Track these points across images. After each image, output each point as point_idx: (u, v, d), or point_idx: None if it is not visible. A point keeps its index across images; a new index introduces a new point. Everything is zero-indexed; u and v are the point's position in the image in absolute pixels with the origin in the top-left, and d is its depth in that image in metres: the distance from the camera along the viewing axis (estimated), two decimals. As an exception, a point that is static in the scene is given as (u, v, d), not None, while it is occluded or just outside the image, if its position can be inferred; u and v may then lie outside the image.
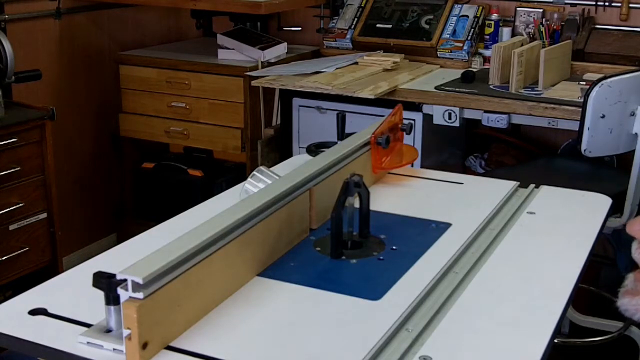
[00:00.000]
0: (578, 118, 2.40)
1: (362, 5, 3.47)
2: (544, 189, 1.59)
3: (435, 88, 2.84)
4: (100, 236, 3.58)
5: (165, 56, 3.38)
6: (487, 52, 3.20)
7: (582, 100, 2.39)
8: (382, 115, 1.62)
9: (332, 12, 3.55)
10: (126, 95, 3.40)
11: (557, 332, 1.06)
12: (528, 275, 1.21)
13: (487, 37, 3.25)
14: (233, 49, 3.29)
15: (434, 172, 1.70)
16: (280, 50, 3.33)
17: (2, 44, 2.64)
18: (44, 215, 2.75)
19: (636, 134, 2.38)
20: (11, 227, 2.63)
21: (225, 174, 3.39)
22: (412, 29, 3.32)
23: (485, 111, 2.75)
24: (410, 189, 1.61)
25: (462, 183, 1.66)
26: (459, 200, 1.55)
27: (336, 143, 1.58)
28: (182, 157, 3.52)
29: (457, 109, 2.77)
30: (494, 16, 3.25)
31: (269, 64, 3.22)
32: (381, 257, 1.25)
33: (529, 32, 3.22)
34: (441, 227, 1.38)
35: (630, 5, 3.12)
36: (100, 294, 0.97)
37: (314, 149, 1.67)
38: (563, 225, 1.40)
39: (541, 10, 3.24)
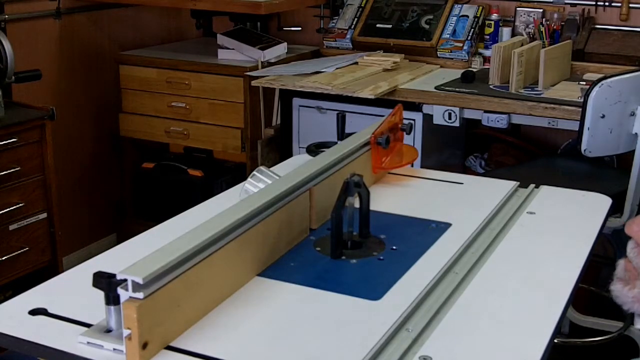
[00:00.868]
0: (578, 118, 2.40)
1: (362, 5, 3.47)
2: (544, 189, 1.59)
3: (435, 88, 2.84)
4: (100, 236, 3.58)
5: (165, 56, 3.38)
6: (487, 52, 3.20)
7: (582, 100, 2.39)
8: (382, 115, 1.62)
9: (332, 12, 3.55)
10: (126, 95, 3.40)
11: (557, 332, 1.06)
12: (528, 275, 1.21)
13: (487, 37, 3.25)
14: (233, 49, 3.29)
15: (434, 172, 1.70)
16: (280, 50, 3.33)
17: (2, 44, 2.64)
18: (44, 215, 2.75)
19: (636, 134, 2.38)
20: (11, 227, 2.63)
21: (225, 174, 3.39)
22: (412, 29, 3.32)
23: (485, 111, 2.75)
24: (410, 189, 1.61)
25: (462, 183, 1.66)
26: (459, 200, 1.55)
27: (336, 143, 1.58)
28: (182, 157, 3.52)
29: (457, 109, 2.77)
30: (494, 16, 3.25)
31: (269, 64, 3.22)
32: (381, 257, 1.25)
33: (529, 32, 3.22)
34: (441, 227, 1.38)
35: (630, 5, 3.12)
36: (100, 294, 0.97)
37: (314, 149, 1.67)
38: (563, 225, 1.40)
39: (541, 10, 3.24)
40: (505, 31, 3.25)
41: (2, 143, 2.55)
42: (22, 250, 2.67)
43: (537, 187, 1.59)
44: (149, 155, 3.52)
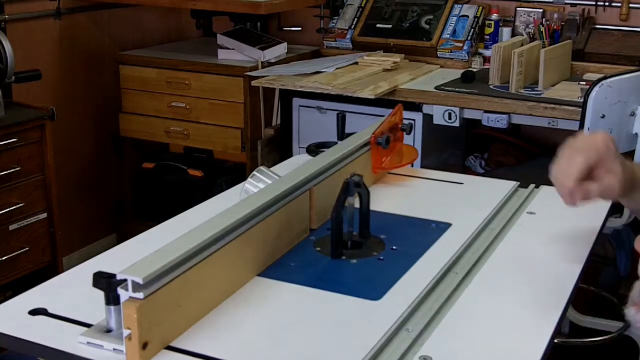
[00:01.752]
0: (578, 118, 2.40)
1: (362, 5, 3.47)
2: (544, 189, 1.59)
3: (435, 88, 2.84)
4: (100, 236, 3.58)
5: (165, 56, 3.38)
6: (487, 52, 3.20)
7: (582, 100, 2.39)
8: (382, 115, 1.62)
9: (332, 12, 3.55)
10: (126, 95, 3.40)
11: (557, 332, 1.06)
12: (528, 275, 1.21)
13: (487, 37, 3.25)
14: (233, 49, 3.29)
15: (434, 172, 1.70)
16: (280, 50, 3.33)
17: (2, 44, 2.64)
18: (44, 215, 2.75)
19: (636, 134, 2.38)
20: (11, 227, 2.63)
21: (225, 174, 3.40)
22: (412, 29, 3.32)
23: (485, 111, 2.75)
24: (410, 189, 1.61)
25: (462, 183, 1.66)
26: (459, 200, 1.55)
27: (336, 143, 1.58)
28: (182, 157, 3.52)
29: (457, 109, 2.77)
30: (494, 16, 3.25)
31: (269, 64, 3.22)
32: (381, 257, 1.25)
33: (529, 32, 3.22)
34: (441, 227, 1.38)
35: (630, 5, 3.12)
36: (100, 294, 0.97)
37: (314, 149, 1.67)
38: (563, 225, 1.40)
39: (541, 10, 3.24)
40: (505, 31, 3.25)
41: (2, 143, 2.55)
42: (22, 250, 2.67)
43: (537, 187, 1.59)
44: (149, 155, 3.52)
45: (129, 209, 3.57)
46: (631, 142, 2.40)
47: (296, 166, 1.38)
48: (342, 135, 1.62)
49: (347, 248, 1.27)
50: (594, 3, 3.17)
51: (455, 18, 3.29)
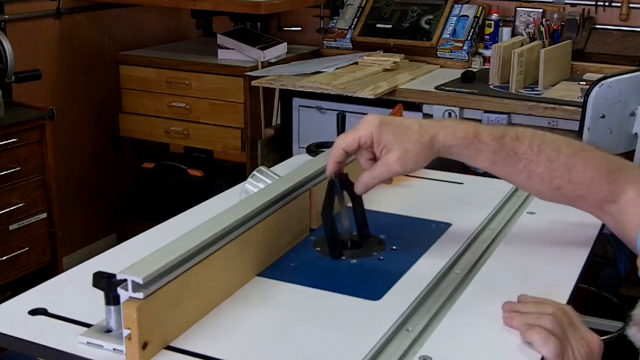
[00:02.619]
0: (578, 118, 2.40)
1: (362, 5, 3.47)
2: (544, 189, 1.59)
3: (435, 88, 2.84)
4: (100, 236, 3.59)
5: (165, 56, 3.38)
6: (487, 52, 3.20)
7: (582, 100, 2.39)
8: (382, 115, 1.62)
9: (332, 12, 3.55)
10: (126, 95, 3.40)
11: (557, 332, 1.06)
12: (528, 275, 1.21)
13: (487, 37, 3.25)
14: (233, 49, 3.30)
15: (434, 172, 1.70)
16: (280, 50, 3.33)
17: (2, 44, 2.64)
18: (44, 215, 2.75)
19: (636, 134, 2.38)
20: (11, 227, 2.63)
21: (225, 174, 3.40)
22: (412, 29, 3.32)
23: (485, 111, 2.75)
24: (410, 189, 1.61)
25: (462, 183, 1.66)
26: (459, 200, 1.55)
27: (336, 143, 1.58)
28: (182, 157, 3.52)
29: (457, 109, 2.77)
30: (494, 16, 3.25)
31: (269, 64, 3.22)
32: (381, 257, 1.25)
33: (529, 32, 3.22)
34: (441, 227, 1.38)
35: (630, 5, 3.12)
36: (100, 294, 0.97)
37: (314, 149, 1.67)
38: (563, 225, 1.40)
39: (541, 10, 3.24)
40: (505, 31, 3.25)
41: (2, 143, 2.55)
42: (22, 250, 2.67)
43: (537, 187, 1.59)
44: (149, 155, 3.52)
45: (129, 209, 3.57)
46: (631, 142, 2.40)
47: (296, 166, 1.38)
48: (342, 135, 1.62)
49: (347, 248, 1.27)
50: (594, 3, 3.17)
51: (455, 18, 3.29)
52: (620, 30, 3.15)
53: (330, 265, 1.23)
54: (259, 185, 1.39)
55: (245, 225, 1.14)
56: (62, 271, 1.31)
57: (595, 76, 2.66)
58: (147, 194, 3.48)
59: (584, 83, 2.75)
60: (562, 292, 1.15)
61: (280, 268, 1.21)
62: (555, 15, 3.19)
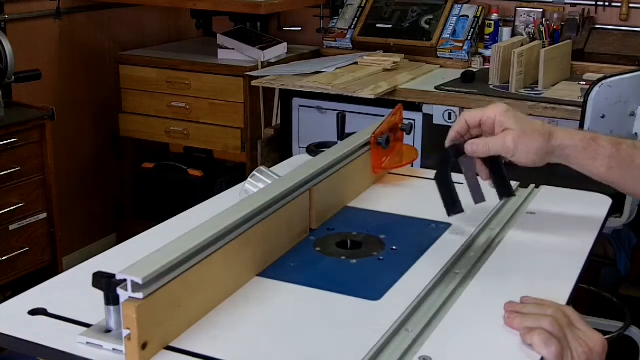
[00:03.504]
0: (578, 118, 2.39)
1: (362, 5, 3.47)
2: (544, 189, 1.59)
3: (435, 88, 2.84)
4: (100, 236, 3.59)
5: (165, 56, 3.38)
6: (487, 52, 3.20)
7: (582, 100, 2.39)
8: (382, 115, 1.62)
9: (332, 12, 3.55)
10: (126, 95, 3.40)
11: (557, 332, 1.06)
12: (528, 275, 1.21)
13: (487, 37, 3.25)
14: (233, 49, 3.30)
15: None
16: (280, 50, 3.33)
17: (2, 44, 2.64)
18: (44, 215, 2.75)
19: (636, 134, 2.38)
20: (11, 227, 2.63)
21: (225, 174, 3.40)
22: (412, 29, 3.32)
23: (486, 111, 2.75)
24: (410, 189, 1.61)
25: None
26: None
27: (336, 143, 1.58)
28: (182, 157, 3.52)
29: (457, 109, 2.77)
30: (494, 16, 3.25)
31: (269, 64, 3.22)
32: (381, 257, 1.25)
33: (529, 32, 3.22)
34: (441, 227, 1.38)
35: (630, 5, 3.12)
36: (100, 294, 0.97)
37: (314, 149, 1.67)
38: (563, 225, 1.40)
39: (541, 10, 3.24)
40: (505, 31, 3.25)
41: (2, 143, 2.55)
42: (22, 250, 2.67)
43: (537, 187, 1.59)
44: (149, 155, 3.52)
45: (129, 209, 3.57)
46: (631, 142, 2.40)
47: (296, 166, 1.38)
48: (342, 135, 1.62)
49: (347, 248, 1.27)
50: (594, 3, 3.17)
51: (455, 18, 3.29)
52: (620, 30, 3.15)
53: (330, 265, 1.23)
54: (259, 185, 1.39)
55: (245, 225, 1.14)
56: (62, 271, 1.31)
57: (595, 76, 2.66)
58: (147, 194, 3.48)
59: (584, 83, 2.75)
60: (562, 292, 1.15)
61: (280, 268, 1.21)
62: (555, 15, 3.19)
